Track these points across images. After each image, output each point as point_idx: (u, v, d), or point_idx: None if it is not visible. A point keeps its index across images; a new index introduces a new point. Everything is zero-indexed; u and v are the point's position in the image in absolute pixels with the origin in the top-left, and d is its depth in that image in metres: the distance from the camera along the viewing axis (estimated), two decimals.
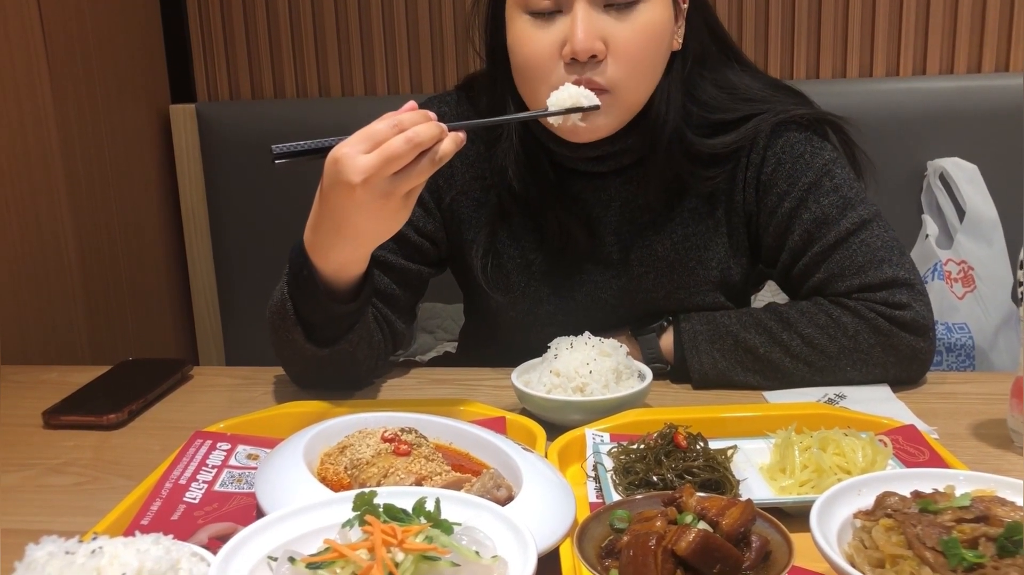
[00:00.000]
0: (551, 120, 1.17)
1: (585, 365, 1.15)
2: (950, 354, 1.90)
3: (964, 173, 2.01)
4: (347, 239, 1.10)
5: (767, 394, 1.23)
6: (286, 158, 1.04)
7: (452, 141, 1.04)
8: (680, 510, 0.75)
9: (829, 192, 1.26)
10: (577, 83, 1.16)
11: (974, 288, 1.95)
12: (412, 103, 1.06)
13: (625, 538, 0.73)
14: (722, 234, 1.33)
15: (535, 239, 1.35)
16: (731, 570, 0.70)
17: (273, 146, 1.04)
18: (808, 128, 1.30)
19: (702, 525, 0.72)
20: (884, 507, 0.74)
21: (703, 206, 1.33)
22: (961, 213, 2.01)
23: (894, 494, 0.75)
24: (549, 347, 1.20)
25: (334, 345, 1.19)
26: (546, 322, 1.32)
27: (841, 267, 1.24)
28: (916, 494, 0.75)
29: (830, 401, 1.19)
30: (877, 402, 1.18)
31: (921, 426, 1.06)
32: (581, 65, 1.17)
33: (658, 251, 1.33)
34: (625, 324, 1.33)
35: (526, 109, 1.26)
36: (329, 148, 1.04)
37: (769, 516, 0.75)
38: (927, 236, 2.01)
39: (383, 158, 1.00)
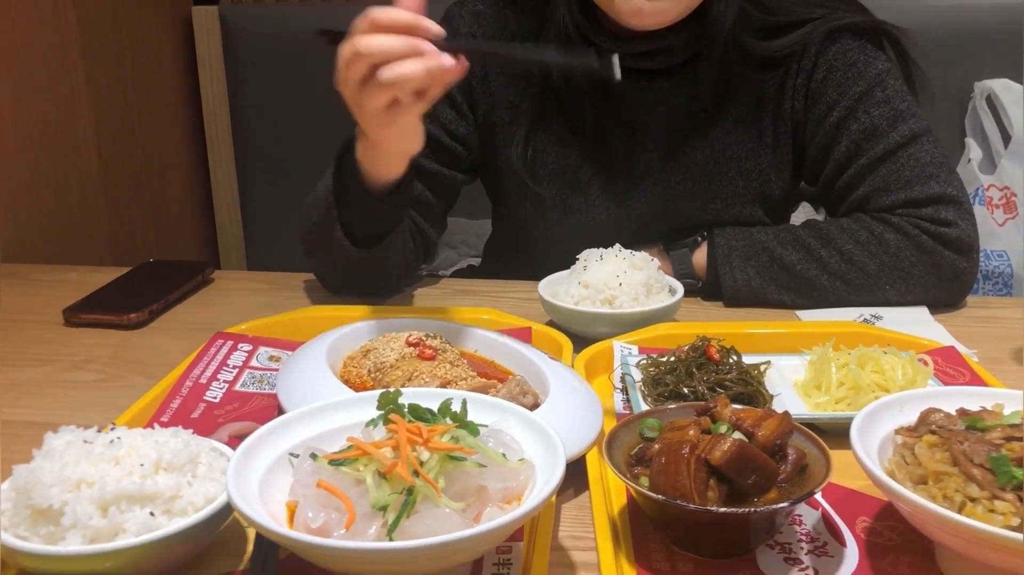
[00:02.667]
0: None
1: (615, 278, 1.11)
2: (987, 282, 1.85)
3: (1012, 95, 1.93)
4: (372, 146, 1.07)
5: (800, 313, 1.20)
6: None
7: (447, 73, 0.90)
8: (714, 420, 0.72)
9: (880, 103, 1.21)
10: None
11: (1016, 215, 1.89)
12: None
13: (656, 446, 0.70)
14: (766, 144, 1.29)
15: (572, 143, 1.30)
16: (766, 482, 0.67)
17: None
18: (863, 36, 1.25)
19: (737, 435, 0.69)
20: (928, 423, 0.71)
21: (749, 114, 1.28)
22: (1007, 137, 1.94)
23: (939, 411, 0.72)
24: (578, 259, 1.17)
25: (370, 248, 1.17)
26: (577, 233, 1.29)
27: (887, 181, 1.20)
28: (962, 411, 0.72)
29: (866, 322, 1.15)
30: (915, 324, 1.14)
31: (961, 348, 1.03)
32: None
33: (698, 159, 1.28)
34: (658, 238, 1.29)
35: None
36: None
37: (806, 430, 0.73)
38: (969, 160, 1.95)
39: (367, 94, 0.92)
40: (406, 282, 1.31)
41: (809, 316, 1.19)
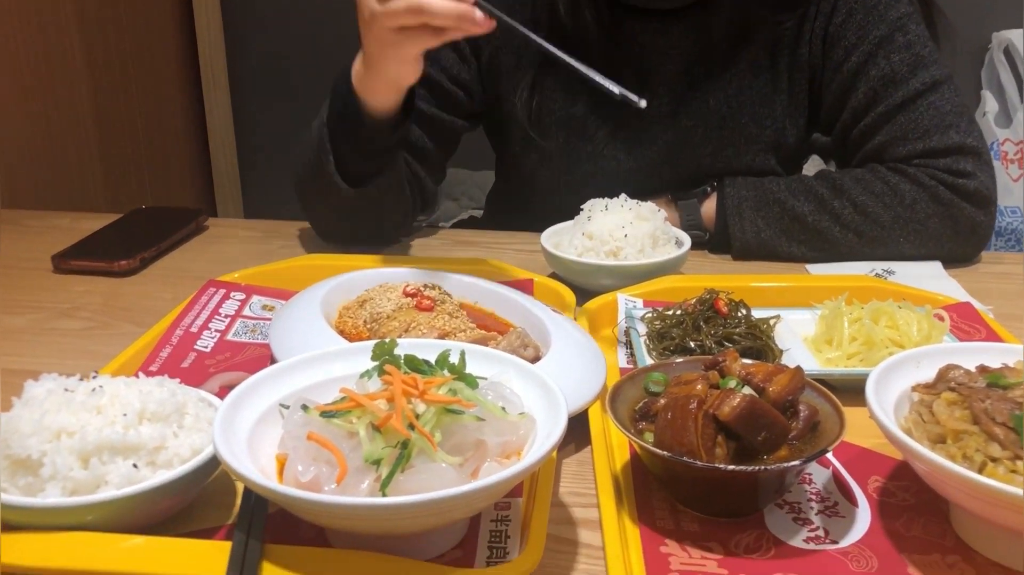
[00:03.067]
0: None
1: (620, 228, 1.08)
2: (999, 238, 1.81)
3: None
4: (369, 67, 1.03)
5: (810, 267, 1.17)
6: None
7: (474, 25, 0.91)
8: (723, 374, 0.69)
9: (901, 48, 1.17)
10: None
11: None
12: None
13: (662, 401, 0.68)
14: (781, 91, 1.25)
15: (580, 90, 1.26)
16: (777, 439, 0.65)
17: None
18: None
19: (747, 390, 0.66)
20: (947, 380, 0.68)
21: (765, 58, 1.24)
22: None
23: (958, 367, 0.69)
24: (582, 209, 1.13)
25: (362, 185, 1.14)
26: (583, 183, 1.25)
27: (904, 130, 1.16)
28: (983, 368, 0.69)
29: (878, 276, 1.12)
30: (928, 279, 1.11)
31: (976, 305, 1.00)
32: None
33: (710, 104, 1.24)
34: (668, 188, 1.26)
35: None
36: None
37: (819, 386, 0.70)
38: (985, 113, 1.90)
39: (386, 12, 0.92)
40: (404, 232, 1.28)
41: (819, 270, 1.16)
